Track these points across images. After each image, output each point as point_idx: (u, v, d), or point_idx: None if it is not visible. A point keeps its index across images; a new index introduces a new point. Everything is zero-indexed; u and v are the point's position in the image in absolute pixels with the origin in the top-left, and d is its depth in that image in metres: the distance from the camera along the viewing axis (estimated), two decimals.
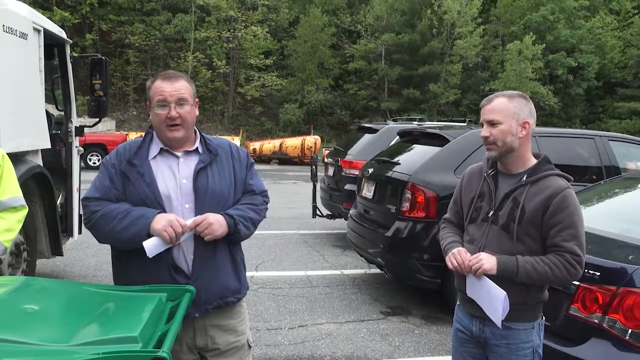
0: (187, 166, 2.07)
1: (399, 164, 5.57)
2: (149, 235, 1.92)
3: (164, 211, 1.99)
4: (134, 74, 32.19)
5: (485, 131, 2.16)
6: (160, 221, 1.91)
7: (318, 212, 8.47)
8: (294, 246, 7.69)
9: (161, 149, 2.08)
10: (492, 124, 2.13)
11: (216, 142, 2.19)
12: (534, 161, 2.17)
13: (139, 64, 32.66)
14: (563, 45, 34.22)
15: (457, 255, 2.13)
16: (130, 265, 2.04)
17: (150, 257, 1.93)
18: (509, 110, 2.11)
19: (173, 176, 2.05)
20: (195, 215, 2.01)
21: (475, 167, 2.35)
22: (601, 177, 5.36)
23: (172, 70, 2.31)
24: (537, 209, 2.06)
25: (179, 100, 2.01)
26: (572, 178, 2.16)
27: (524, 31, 33.47)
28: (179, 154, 2.08)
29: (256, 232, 2.21)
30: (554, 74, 33.87)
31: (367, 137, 8.39)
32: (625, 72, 35.43)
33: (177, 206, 2.02)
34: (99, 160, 18.02)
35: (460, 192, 2.36)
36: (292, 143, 24.04)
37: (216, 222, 1.99)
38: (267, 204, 2.26)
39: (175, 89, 2.01)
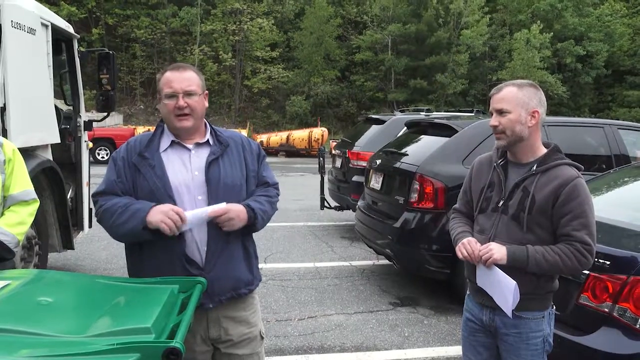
0: (198, 158, 2.08)
1: (407, 154, 5.56)
2: (145, 229, 1.94)
3: (174, 203, 2.00)
4: (141, 68, 32.24)
5: (494, 120, 2.15)
6: (155, 215, 1.92)
7: (326, 203, 8.48)
8: (303, 238, 7.71)
9: (172, 141, 2.09)
10: (501, 112, 2.12)
11: (227, 134, 2.20)
12: (544, 150, 2.17)
13: (146, 57, 32.70)
14: (571, 34, 33.89)
15: (467, 245, 2.13)
16: (143, 257, 2.06)
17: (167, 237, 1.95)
18: (518, 99, 2.10)
19: (185, 168, 2.06)
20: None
21: (485, 157, 2.34)
22: (611, 166, 5.33)
23: (179, 61, 2.33)
24: (548, 199, 2.05)
25: (187, 91, 2.03)
26: (583, 167, 2.15)
27: (532, 19, 33.17)
28: (190, 146, 2.10)
29: (267, 223, 2.23)
30: (562, 62, 33.58)
31: (374, 128, 8.37)
32: (635, 59, 35.03)
33: (189, 198, 2.03)
34: (107, 155, 18.10)
35: (469, 182, 2.35)
36: (299, 135, 24.00)
37: (237, 217, 2.01)
38: (278, 196, 2.29)
39: (183, 79, 2.04)
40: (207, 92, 2.16)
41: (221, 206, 1.99)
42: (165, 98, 2.04)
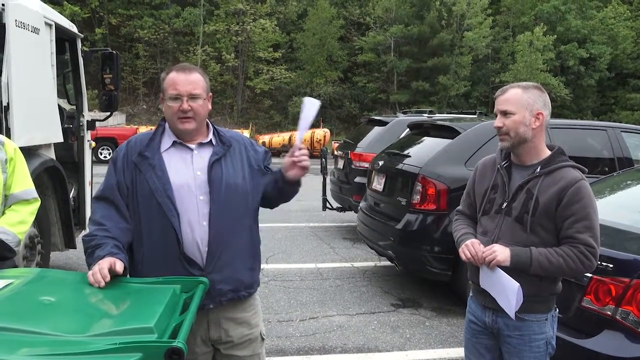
0: (201, 158, 2.07)
1: (410, 156, 5.56)
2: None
3: (172, 205, 1.98)
4: (144, 68, 32.31)
5: (498, 121, 2.15)
6: (94, 267, 1.87)
7: (328, 204, 8.48)
8: (304, 239, 7.71)
9: (174, 141, 2.08)
10: (505, 114, 2.12)
11: (229, 134, 2.19)
12: (547, 152, 2.16)
13: (149, 57, 32.75)
14: (574, 36, 33.85)
15: (470, 247, 2.13)
16: (144, 257, 2.05)
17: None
18: (522, 101, 2.10)
19: (187, 168, 2.05)
20: (210, 207, 2.01)
21: (489, 159, 2.34)
22: (614, 169, 5.31)
23: (186, 63, 2.32)
24: (551, 201, 2.05)
25: (192, 94, 2.01)
26: (587, 169, 2.15)
27: (535, 22, 33.14)
28: (192, 146, 2.09)
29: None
30: (565, 65, 33.54)
31: (376, 129, 8.37)
32: (638, 62, 34.98)
33: (191, 198, 2.02)
34: (109, 154, 18.14)
35: (473, 184, 2.35)
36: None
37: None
38: None
39: (189, 82, 2.02)
40: (211, 94, 2.15)
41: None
42: (169, 100, 2.02)
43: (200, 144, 2.10)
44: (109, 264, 1.85)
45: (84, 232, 5.61)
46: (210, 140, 2.12)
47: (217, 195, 2.03)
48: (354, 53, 34.70)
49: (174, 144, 2.08)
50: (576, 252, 2.00)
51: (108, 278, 1.82)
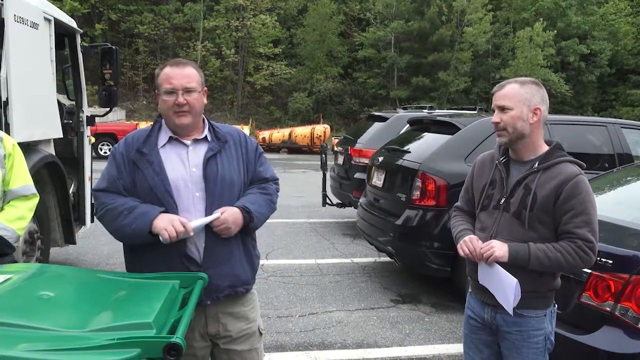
0: (196, 154, 2.07)
1: (409, 152, 5.55)
2: (151, 232, 1.93)
3: (172, 200, 1.99)
4: (144, 64, 32.28)
5: (496, 117, 2.15)
6: (162, 220, 1.92)
7: (328, 200, 8.48)
8: (304, 235, 7.71)
9: (170, 137, 2.08)
10: (503, 109, 2.12)
11: (225, 130, 2.19)
12: (545, 148, 2.16)
13: (149, 53, 32.73)
14: (575, 32, 33.81)
15: (468, 243, 2.12)
16: (142, 253, 2.05)
17: (164, 243, 1.93)
18: (520, 96, 2.10)
19: (182, 164, 2.05)
20: (206, 203, 2.02)
21: (487, 155, 2.33)
22: (614, 165, 5.30)
23: (181, 57, 2.32)
24: (549, 196, 2.04)
25: (187, 88, 2.01)
26: (585, 164, 2.14)
27: (535, 17, 33.08)
28: (188, 142, 2.09)
29: (266, 220, 2.21)
30: (565, 61, 33.49)
31: (376, 125, 8.36)
32: (639, 59, 34.93)
33: (187, 194, 2.02)
34: (109, 150, 18.11)
35: (471, 180, 2.34)
36: (302, 132, 24.01)
37: (233, 224, 2.00)
38: (278, 192, 2.27)
39: (183, 76, 2.02)
40: (206, 88, 2.15)
41: (218, 215, 1.98)
42: (164, 94, 2.03)
43: (196, 140, 2.10)
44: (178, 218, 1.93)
45: (83, 228, 5.63)
46: (205, 136, 2.12)
47: (213, 191, 2.03)
48: (354, 49, 34.67)
49: (170, 139, 2.08)
50: (574, 247, 2.00)
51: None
